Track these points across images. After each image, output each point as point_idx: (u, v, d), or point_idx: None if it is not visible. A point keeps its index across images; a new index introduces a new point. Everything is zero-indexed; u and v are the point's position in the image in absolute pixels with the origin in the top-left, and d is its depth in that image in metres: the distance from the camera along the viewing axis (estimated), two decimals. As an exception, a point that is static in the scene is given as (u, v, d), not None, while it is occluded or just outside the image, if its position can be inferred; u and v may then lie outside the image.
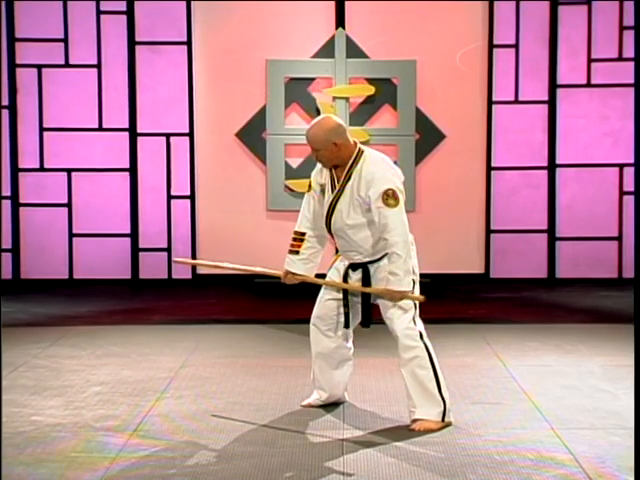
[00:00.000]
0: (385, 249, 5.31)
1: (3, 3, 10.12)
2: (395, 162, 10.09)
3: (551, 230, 10.36)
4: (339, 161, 5.28)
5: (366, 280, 5.39)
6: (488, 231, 10.36)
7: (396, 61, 10.05)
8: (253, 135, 10.08)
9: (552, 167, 10.31)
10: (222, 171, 10.26)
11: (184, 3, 10.14)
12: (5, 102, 10.23)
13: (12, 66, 10.21)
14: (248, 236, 10.16)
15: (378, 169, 5.25)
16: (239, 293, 9.78)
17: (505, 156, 10.31)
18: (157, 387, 6.04)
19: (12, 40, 10.19)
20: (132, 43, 10.21)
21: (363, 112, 10.14)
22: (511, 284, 10.18)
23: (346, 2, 10.13)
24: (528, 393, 5.90)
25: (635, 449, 4.16)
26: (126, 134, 10.31)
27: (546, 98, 10.26)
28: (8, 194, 10.32)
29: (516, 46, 10.22)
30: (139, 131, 10.30)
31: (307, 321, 5.56)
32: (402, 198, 5.29)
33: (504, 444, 4.94)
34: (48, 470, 4.54)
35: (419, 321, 5.31)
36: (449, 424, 5.19)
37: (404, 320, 5.28)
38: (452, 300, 9.49)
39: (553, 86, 10.24)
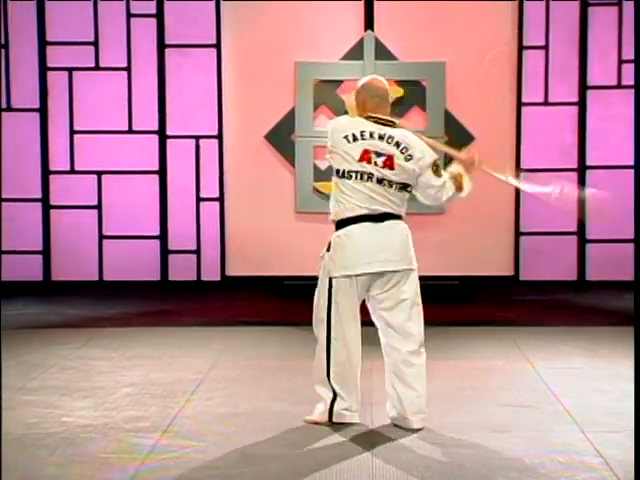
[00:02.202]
0: (335, 217, 5.25)
1: (34, 7, 10.19)
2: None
3: (581, 232, 10.30)
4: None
5: None
6: (517, 233, 10.32)
7: (425, 63, 10.02)
8: (282, 137, 10.09)
9: (582, 169, 10.26)
10: (251, 173, 10.27)
11: (213, 6, 10.17)
12: (36, 105, 10.30)
13: (43, 69, 10.27)
14: (277, 238, 10.17)
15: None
16: (268, 295, 9.80)
17: (534, 158, 10.26)
18: (186, 389, 6.06)
19: (43, 43, 10.26)
20: (162, 46, 10.26)
21: (392, 114, 10.10)
22: (541, 286, 10.14)
23: (375, 4, 10.13)
24: (558, 396, 5.87)
25: (635, 449, 4.16)
26: (155, 137, 10.35)
27: (576, 100, 10.21)
28: (39, 196, 10.38)
29: (546, 47, 10.18)
30: (168, 133, 10.34)
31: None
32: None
33: (534, 447, 4.91)
34: (78, 471, 4.57)
35: None
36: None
37: (421, 323, 5.24)
38: (481, 303, 9.46)
39: (583, 88, 10.19)
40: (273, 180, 10.24)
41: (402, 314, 5.26)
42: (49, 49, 10.28)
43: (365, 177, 5.15)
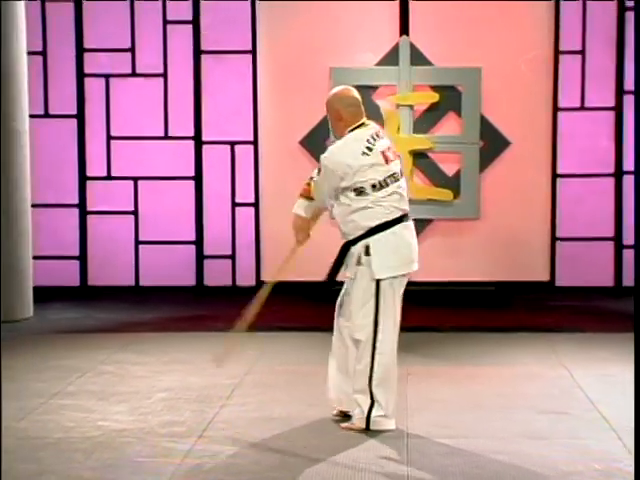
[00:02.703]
0: (357, 231, 5.29)
1: (72, 14, 10.27)
2: (459, 170, 10.11)
3: (618, 238, 10.23)
4: (336, 132, 5.44)
5: (340, 259, 5.43)
6: (554, 239, 10.26)
7: (461, 68, 10.00)
8: (317, 142, 10.08)
9: (619, 174, 10.18)
10: (286, 178, 10.26)
11: (249, 12, 10.20)
12: (73, 111, 10.38)
13: (80, 76, 10.35)
14: (311, 243, 10.12)
15: (333, 144, 5.40)
16: (303, 301, 9.80)
17: (571, 163, 10.20)
18: (222, 394, 6.08)
19: (80, 50, 10.33)
20: (197, 52, 10.30)
21: (427, 120, 10.10)
22: (577, 292, 10.07)
23: (410, 9, 10.11)
24: (595, 403, 5.83)
25: (635, 449, 4.15)
26: (191, 142, 10.39)
27: (613, 104, 10.14)
28: (76, 202, 10.45)
29: (582, 52, 10.12)
30: (204, 139, 10.38)
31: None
32: (325, 175, 5.33)
33: (571, 454, 4.88)
34: (114, 475, 4.59)
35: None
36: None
37: None
38: (518, 309, 9.42)
39: (620, 92, 10.11)
40: (308, 185, 10.23)
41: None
42: (86, 56, 10.35)
43: (394, 178, 5.31)
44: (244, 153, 10.34)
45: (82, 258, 10.49)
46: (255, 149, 10.34)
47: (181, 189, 10.42)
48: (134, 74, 10.36)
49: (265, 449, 4.97)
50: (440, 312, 9.24)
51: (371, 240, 5.25)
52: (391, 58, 10.06)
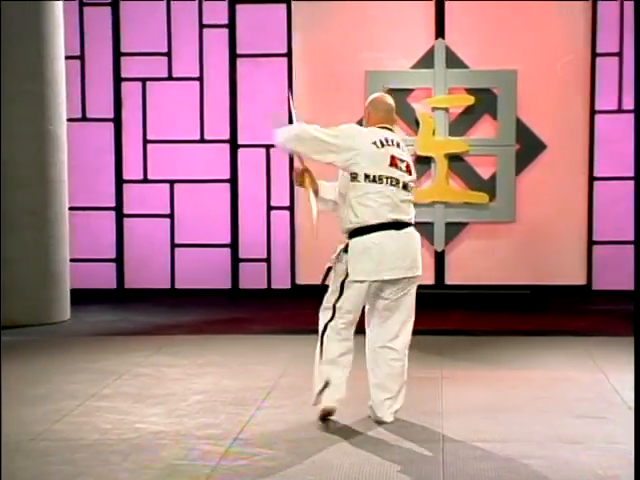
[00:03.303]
0: (346, 225, 5.41)
1: (109, 19, 10.35)
2: (494, 173, 10.08)
3: (656, 241, 10.15)
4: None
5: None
6: (590, 242, 10.20)
7: (496, 71, 9.98)
8: (352, 146, 10.09)
9: (657, 177, 10.11)
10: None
11: (285, 16, 10.23)
12: (110, 115, 10.45)
13: (117, 80, 10.42)
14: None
15: None
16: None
17: (608, 166, 10.15)
18: (257, 396, 6.09)
19: (118, 54, 10.41)
20: (233, 56, 10.34)
21: (463, 122, 10.08)
22: (614, 296, 10.01)
23: (446, 12, 10.10)
24: (632, 407, 5.78)
25: (635, 450, 4.12)
26: (227, 146, 10.44)
27: (650, 107, 10.07)
28: (113, 205, 10.53)
29: (619, 54, 10.06)
30: (239, 142, 10.42)
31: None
32: (333, 132, 5.34)
33: (608, 459, 4.85)
34: (151, 477, 4.61)
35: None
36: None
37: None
38: (554, 312, 9.37)
39: (658, 95, 10.04)
40: (343, 189, 10.24)
41: (401, 316, 5.44)
42: (123, 60, 10.43)
43: (394, 182, 5.34)
44: (279, 156, 10.36)
45: (118, 261, 10.56)
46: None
47: (217, 192, 10.47)
48: (170, 78, 10.42)
49: (300, 452, 4.97)
50: (475, 315, 9.21)
51: (352, 240, 5.37)
52: (426, 61, 10.05)
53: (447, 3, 10.09)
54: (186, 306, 9.79)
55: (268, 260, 10.48)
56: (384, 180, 5.31)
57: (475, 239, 10.19)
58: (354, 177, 5.35)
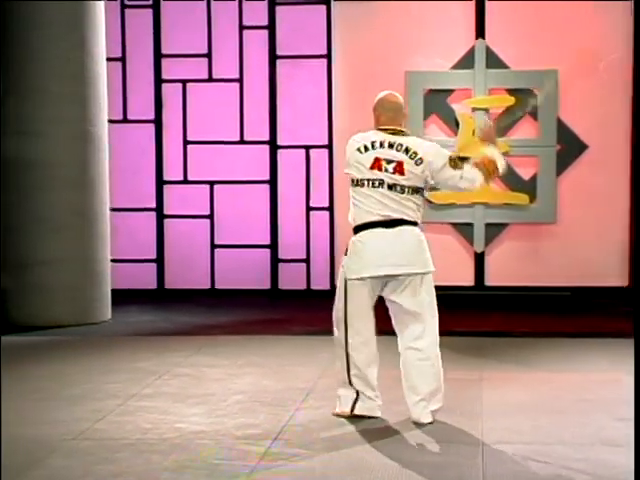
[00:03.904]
0: (353, 224, 5.59)
1: (150, 21, 10.42)
2: (535, 174, 10.03)
3: (698, 243, 10.05)
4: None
5: None
6: (632, 244, 10.12)
7: (537, 71, 9.92)
8: (392, 147, 10.09)
9: (700, 178, 10.01)
10: (361, 183, 10.29)
11: (324, 17, 10.24)
12: (151, 116, 10.52)
13: (158, 81, 10.49)
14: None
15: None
16: (377, 304, 9.78)
17: (650, 167, 10.06)
18: (296, 397, 6.10)
19: (158, 56, 10.47)
20: (273, 57, 10.37)
21: (503, 123, 10.02)
22: (656, 298, 9.91)
23: (486, 12, 10.06)
24: (674, 410, 5.73)
25: (635, 450, 4.08)
26: (266, 147, 10.47)
27: (694, 107, 9.98)
28: (153, 206, 10.59)
29: (662, 54, 9.98)
30: (279, 144, 10.45)
31: (441, 333, 5.52)
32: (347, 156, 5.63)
33: (649, 462, 4.81)
34: (191, 477, 4.63)
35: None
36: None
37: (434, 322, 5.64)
38: (594, 314, 9.31)
39: (701, 94, 9.95)
40: (383, 190, 10.23)
41: (420, 317, 5.48)
42: (164, 62, 10.49)
43: (376, 183, 5.47)
44: (319, 157, 10.39)
45: (159, 261, 10.63)
46: (330, 153, 10.37)
47: (256, 193, 10.50)
48: (210, 79, 10.47)
49: (340, 452, 4.98)
50: (515, 317, 9.17)
51: (351, 240, 5.55)
52: (467, 61, 10.02)
53: (487, 3, 10.05)
54: (225, 306, 9.82)
55: (307, 261, 10.50)
56: (366, 182, 5.48)
57: (515, 240, 10.14)
58: (351, 183, 5.61)
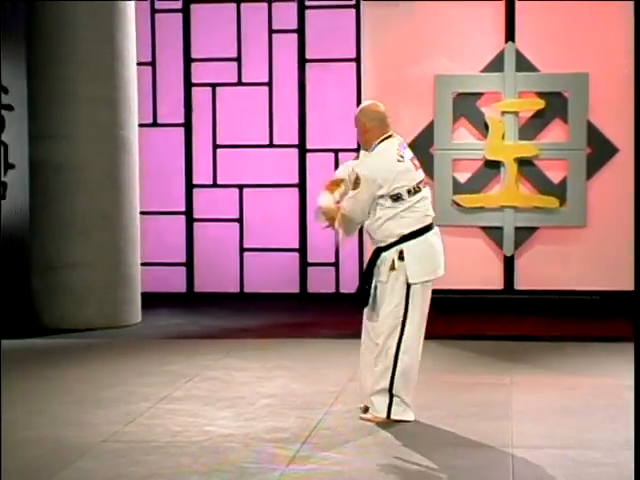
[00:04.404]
0: (390, 238, 5.56)
1: (180, 25, 10.46)
2: (565, 177, 9.99)
3: None
4: (364, 144, 5.75)
5: (371, 265, 5.76)
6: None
7: (567, 74, 9.88)
8: (421, 150, 10.04)
9: None
10: (390, 186, 10.27)
11: (354, 21, 10.24)
12: (181, 120, 10.56)
13: (188, 85, 10.53)
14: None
15: (367, 156, 5.72)
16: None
17: (681, 170, 9.98)
18: (325, 400, 6.11)
19: (188, 60, 10.51)
20: (302, 61, 10.38)
21: (533, 126, 10.00)
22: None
23: (516, 15, 10.03)
24: None
25: (635, 450, 4.14)
26: (295, 150, 10.48)
27: None
28: (183, 209, 10.63)
29: (693, 57, 9.90)
30: (308, 147, 10.46)
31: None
32: (366, 184, 5.54)
33: (680, 468, 4.77)
34: None
35: None
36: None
37: None
38: (624, 318, 9.25)
39: None
40: (412, 193, 10.21)
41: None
42: (193, 66, 10.53)
43: (423, 183, 5.64)
44: (348, 161, 10.36)
45: (188, 265, 10.66)
46: (359, 157, 10.34)
47: (285, 197, 10.51)
48: (240, 83, 10.50)
49: (368, 456, 4.98)
50: (545, 321, 9.14)
51: (404, 246, 5.53)
52: (496, 65, 9.99)
53: (517, 5, 10.01)
54: (255, 310, 9.84)
55: (336, 265, 10.50)
56: (418, 187, 5.60)
57: (545, 244, 10.10)
58: (398, 197, 5.57)
